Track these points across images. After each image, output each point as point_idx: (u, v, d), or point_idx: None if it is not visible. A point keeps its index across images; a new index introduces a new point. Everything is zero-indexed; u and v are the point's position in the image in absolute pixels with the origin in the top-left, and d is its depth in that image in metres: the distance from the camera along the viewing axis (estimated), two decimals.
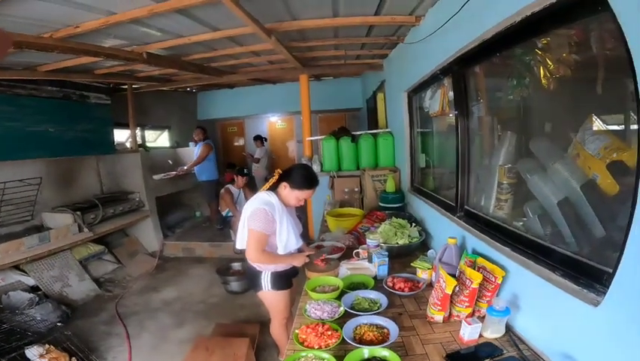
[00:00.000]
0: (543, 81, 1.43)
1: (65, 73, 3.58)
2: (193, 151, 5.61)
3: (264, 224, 1.83)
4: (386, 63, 3.98)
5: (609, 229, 1.26)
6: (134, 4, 1.99)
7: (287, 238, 1.95)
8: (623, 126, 1.31)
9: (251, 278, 2.11)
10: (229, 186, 4.68)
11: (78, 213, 3.84)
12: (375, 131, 4.07)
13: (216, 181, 5.58)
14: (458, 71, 2.01)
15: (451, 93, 2.27)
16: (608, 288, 0.98)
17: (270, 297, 2.07)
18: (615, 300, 0.94)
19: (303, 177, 1.95)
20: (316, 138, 4.37)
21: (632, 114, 1.34)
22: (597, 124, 1.50)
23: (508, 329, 1.37)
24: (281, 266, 2.02)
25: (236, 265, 3.78)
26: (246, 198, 4.79)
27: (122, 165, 4.87)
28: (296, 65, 3.83)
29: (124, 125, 5.14)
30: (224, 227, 4.91)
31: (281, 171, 1.99)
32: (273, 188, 1.99)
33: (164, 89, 5.42)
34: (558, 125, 1.71)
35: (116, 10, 2.06)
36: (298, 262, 2.02)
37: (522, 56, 1.53)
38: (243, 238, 1.97)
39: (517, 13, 1.23)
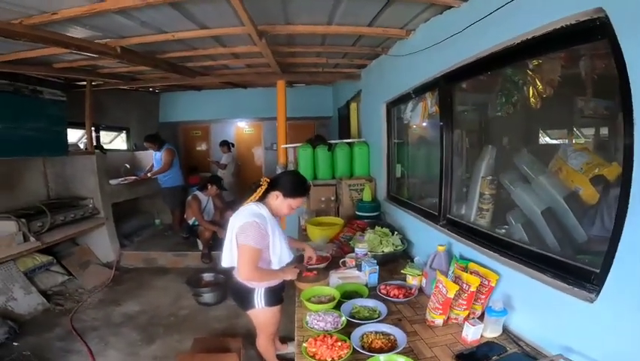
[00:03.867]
0: (532, 100, 1.57)
1: (19, 65, 3.20)
2: (152, 155, 5.27)
3: (257, 238, 1.70)
4: (364, 73, 4.06)
5: (590, 233, 1.41)
6: None
7: (281, 251, 1.84)
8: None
9: (240, 296, 1.95)
10: (197, 193, 4.49)
11: (23, 220, 3.41)
12: (350, 140, 4.13)
13: (181, 187, 5.30)
14: (445, 85, 2.11)
15: (433, 108, 2.40)
16: (598, 287, 1.09)
17: (263, 314, 1.94)
18: (610, 297, 1.05)
19: (296, 183, 1.85)
20: (291, 145, 4.32)
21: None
22: (577, 140, 1.70)
23: (504, 328, 1.46)
24: (274, 281, 1.92)
25: (208, 276, 3.60)
26: (215, 207, 4.65)
27: (74, 167, 4.44)
28: (276, 69, 3.77)
29: (77, 124, 4.70)
30: (191, 236, 4.68)
31: (269, 180, 1.85)
32: (261, 199, 1.85)
33: (125, 87, 5.06)
34: (541, 142, 1.89)
35: None
36: (291, 276, 1.93)
37: (512, 76, 1.67)
38: (230, 254, 1.81)
39: (517, 36, 1.34)
